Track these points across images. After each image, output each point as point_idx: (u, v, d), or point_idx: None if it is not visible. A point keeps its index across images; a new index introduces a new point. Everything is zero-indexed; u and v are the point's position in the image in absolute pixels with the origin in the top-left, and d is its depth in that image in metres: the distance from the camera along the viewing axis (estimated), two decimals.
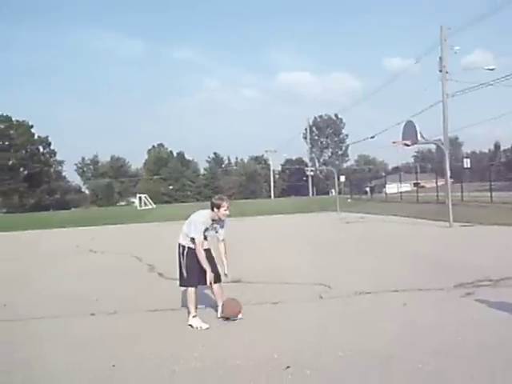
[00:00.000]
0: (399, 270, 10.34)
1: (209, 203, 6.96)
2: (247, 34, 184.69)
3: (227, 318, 6.92)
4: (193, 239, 6.80)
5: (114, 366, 5.31)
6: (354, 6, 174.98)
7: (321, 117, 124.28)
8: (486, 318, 6.37)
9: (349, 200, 48.76)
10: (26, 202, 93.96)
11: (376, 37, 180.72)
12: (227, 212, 6.87)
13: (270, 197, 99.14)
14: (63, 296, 9.38)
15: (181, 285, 7.09)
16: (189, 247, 6.86)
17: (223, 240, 7.12)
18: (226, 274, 7.06)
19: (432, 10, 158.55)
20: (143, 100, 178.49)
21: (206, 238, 6.91)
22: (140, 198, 71.04)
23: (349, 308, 7.44)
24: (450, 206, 20.15)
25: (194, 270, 6.82)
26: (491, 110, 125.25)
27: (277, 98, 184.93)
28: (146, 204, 68.50)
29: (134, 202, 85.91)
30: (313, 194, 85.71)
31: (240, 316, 6.99)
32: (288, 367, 5.00)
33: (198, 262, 6.76)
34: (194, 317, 6.77)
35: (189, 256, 6.83)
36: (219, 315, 7.06)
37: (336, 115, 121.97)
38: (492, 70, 33.76)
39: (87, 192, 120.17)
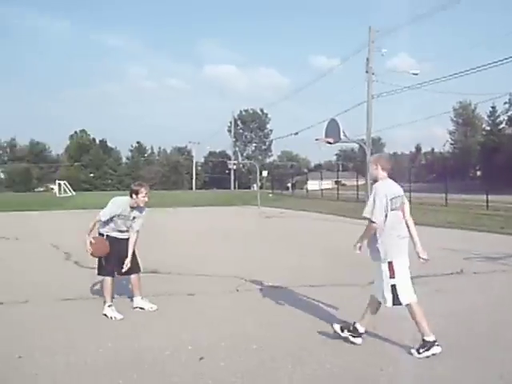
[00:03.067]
0: (317, 266, 10.52)
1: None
2: (176, 24, 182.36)
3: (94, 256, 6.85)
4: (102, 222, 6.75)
5: (20, 357, 5.13)
6: (282, 5, 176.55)
7: (246, 111, 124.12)
8: (396, 313, 6.55)
9: (270, 195, 49.10)
10: None
11: (303, 35, 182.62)
12: (146, 198, 6.78)
13: (192, 188, 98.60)
14: None
15: (99, 273, 6.95)
16: (107, 235, 6.75)
17: (137, 231, 6.96)
18: (126, 264, 6.79)
19: (359, 11, 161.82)
20: (67, 84, 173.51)
21: (123, 230, 6.84)
22: (59, 184, 69.14)
23: (264, 301, 7.52)
24: None
25: (112, 259, 6.74)
26: (414, 112, 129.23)
27: (203, 90, 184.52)
28: (65, 191, 66.75)
29: (53, 189, 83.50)
30: (235, 188, 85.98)
31: (154, 307, 6.95)
32: (202, 358, 5.00)
33: (117, 250, 6.68)
34: (109, 306, 6.68)
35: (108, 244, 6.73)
36: (134, 305, 7.00)
37: (261, 110, 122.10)
38: (416, 74, 34.77)
39: (2, 176, 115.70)
